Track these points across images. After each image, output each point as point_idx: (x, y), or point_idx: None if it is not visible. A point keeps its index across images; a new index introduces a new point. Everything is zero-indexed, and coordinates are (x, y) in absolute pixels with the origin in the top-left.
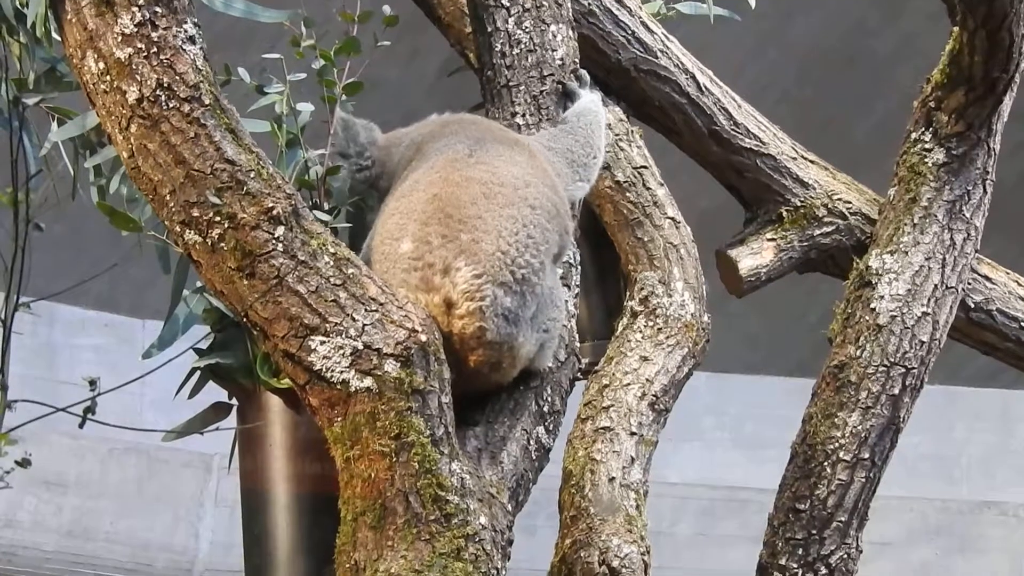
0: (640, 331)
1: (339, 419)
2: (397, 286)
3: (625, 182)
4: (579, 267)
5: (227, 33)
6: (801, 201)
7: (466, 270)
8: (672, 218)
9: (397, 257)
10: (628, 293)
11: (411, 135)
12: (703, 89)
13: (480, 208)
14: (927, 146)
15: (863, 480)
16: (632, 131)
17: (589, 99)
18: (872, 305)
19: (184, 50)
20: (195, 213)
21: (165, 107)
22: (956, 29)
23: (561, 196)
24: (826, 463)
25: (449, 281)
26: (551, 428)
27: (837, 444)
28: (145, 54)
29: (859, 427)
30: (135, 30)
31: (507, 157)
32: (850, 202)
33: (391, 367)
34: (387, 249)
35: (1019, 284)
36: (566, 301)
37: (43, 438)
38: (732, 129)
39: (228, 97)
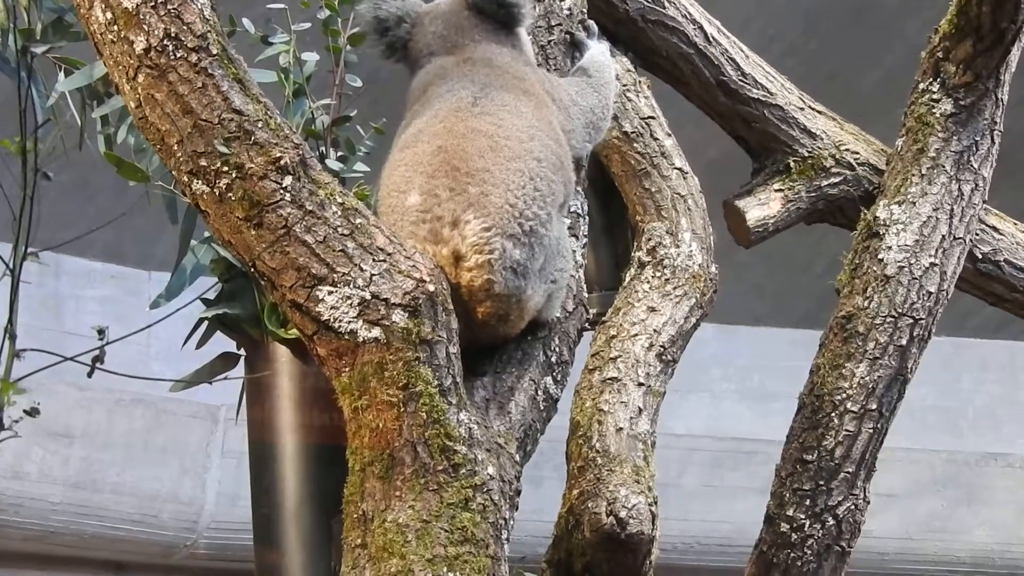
0: (648, 281)
1: (347, 369)
2: (405, 238)
3: (632, 132)
4: (587, 217)
5: None
6: (809, 151)
7: (475, 223)
8: (680, 168)
9: (404, 210)
10: (636, 243)
11: (427, 68)
12: (711, 39)
13: (487, 161)
14: (935, 96)
15: (870, 431)
16: (639, 81)
17: (598, 50)
18: (880, 256)
19: (191, 0)
20: (203, 163)
21: (172, 57)
22: None
23: (565, 148)
24: (833, 414)
25: (458, 234)
26: (559, 378)
27: (845, 395)
28: (152, 4)
29: (867, 378)
30: None
31: (512, 107)
32: (858, 152)
33: (399, 317)
34: (394, 202)
35: None
36: (574, 251)
37: (50, 389)
38: (739, 79)
39: (234, 47)
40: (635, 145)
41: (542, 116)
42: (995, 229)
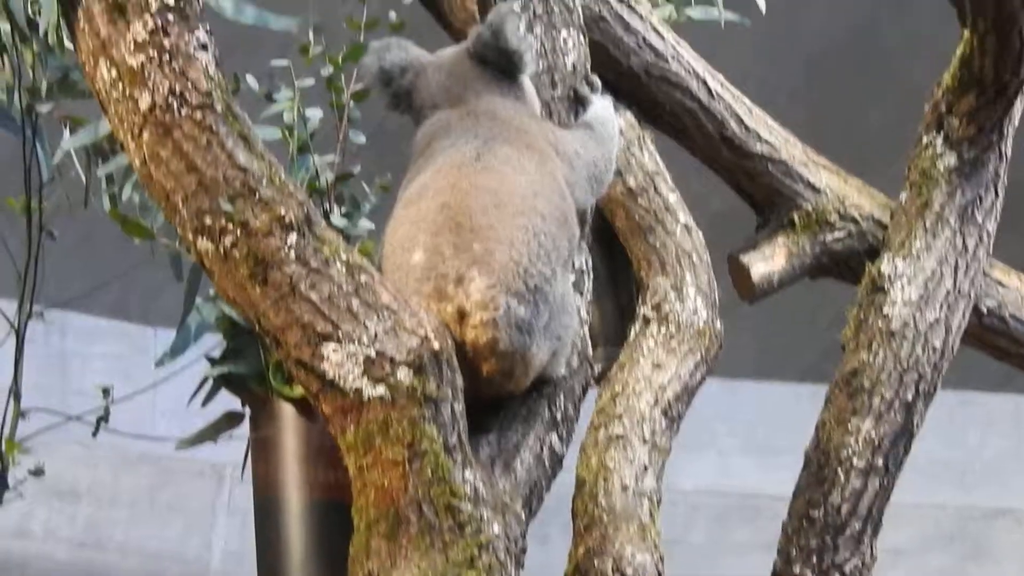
0: (653, 337)
1: (352, 427)
2: (411, 295)
3: (637, 188)
4: (591, 273)
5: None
6: (813, 206)
7: (479, 280)
8: (684, 223)
9: (410, 268)
10: (640, 298)
11: (430, 120)
12: (714, 94)
13: (491, 218)
14: (938, 150)
15: (877, 487)
16: (643, 136)
17: (602, 104)
18: (885, 310)
19: (196, 57)
20: (207, 220)
21: (177, 114)
22: (966, 32)
23: (569, 202)
24: (839, 470)
25: (462, 291)
26: (564, 436)
27: (850, 451)
28: (157, 61)
29: (872, 433)
30: (147, 37)
31: (515, 162)
32: (861, 206)
33: (404, 375)
34: (399, 259)
35: None
36: (578, 308)
37: (55, 447)
38: (743, 134)
39: (238, 103)
40: (639, 200)
41: (546, 170)
42: (1000, 283)
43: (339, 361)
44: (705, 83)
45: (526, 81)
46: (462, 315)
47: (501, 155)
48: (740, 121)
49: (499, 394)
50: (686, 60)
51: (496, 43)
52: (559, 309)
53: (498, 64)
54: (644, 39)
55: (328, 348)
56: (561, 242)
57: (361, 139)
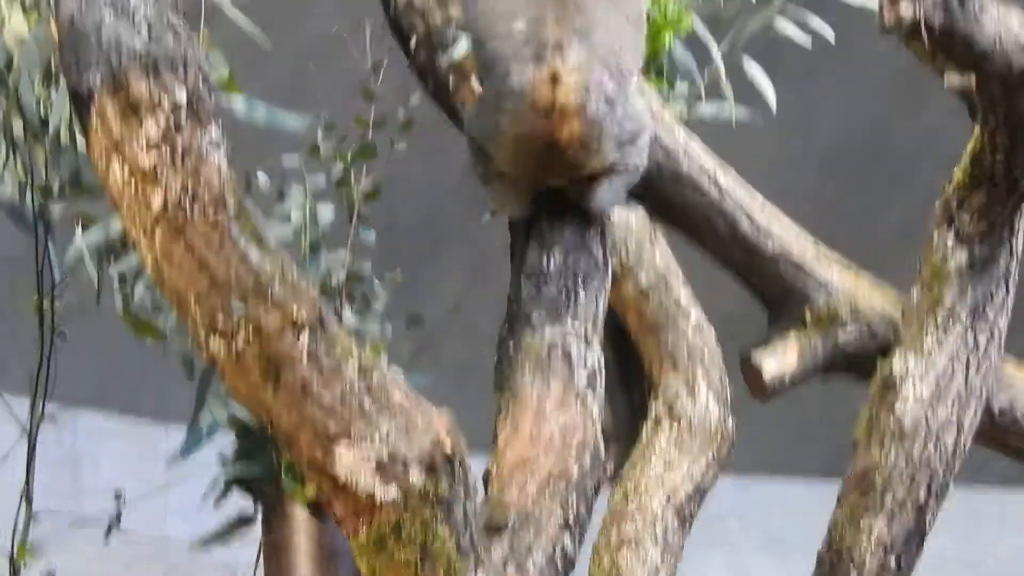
0: (665, 436)
1: (364, 528)
2: (510, 59)
3: (648, 286)
4: (603, 372)
5: (246, 131)
6: (824, 304)
7: (578, 49)
8: (696, 321)
9: (511, 33)
10: (652, 396)
11: None
12: (724, 192)
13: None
14: (949, 246)
15: None
16: (655, 232)
17: None
18: (896, 408)
19: (209, 156)
20: (220, 321)
21: (190, 214)
22: (977, 128)
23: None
24: (852, 569)
25: (560, 56)
26: (576, 536)
27: (863, 550)
28: (170, 161)
29: (885, 533)
30: (160, 137)
31: None
32: (873, 304)
33: (416, 475)
34: (499, 28)
35: None
36: (594, 403)
37: (67, 546)
38: (754, 234)
39: (250, 199)
40: (651, 298)
41: None
42: (1012, 382)
43: (351, 463)
44: (716, 181)
45: None
46: (555, 79)
47: None
48: (751, 220)
49: (567, 172)
50: (697, 157)
51: None
52: (630, 109)
53: None
54: (655, 136)
55: (340, 449)
56: (640, 47)
57: (372, 238)
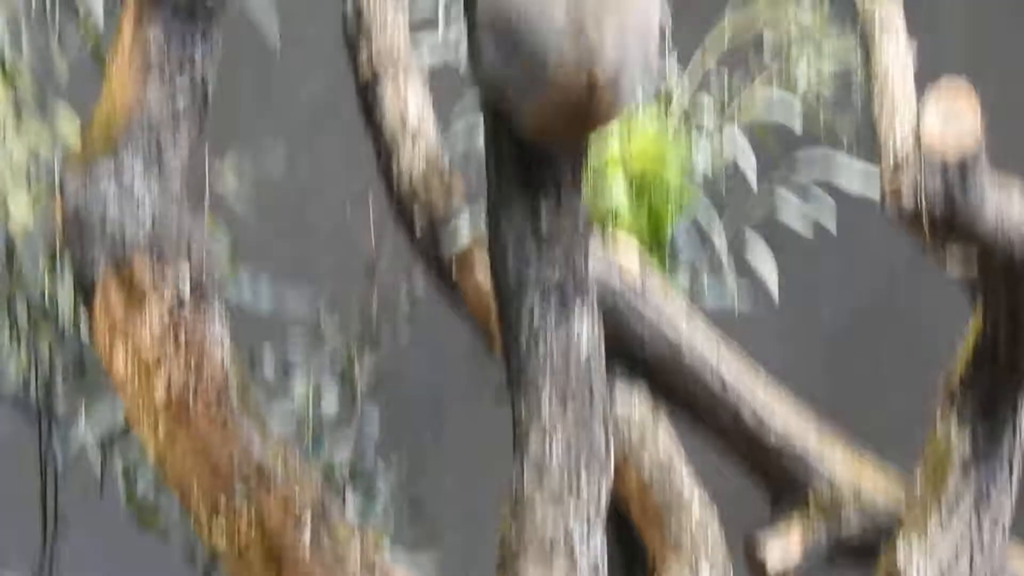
0: None
1: None
2: (547, 32)
3: (650, 472)
4: (605, 560)
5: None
6: (827, 491)
7: (616, 18)
8: (699, 505)
9: (552, 3)
10: None
11: None
12: (727, 386)
13: None
14: (952, 427)
15: None
16: (658, 418)
17: None
18: None
19: (213, 345)
20: (222, 510)
21: (193, 405)
22: (979, 312)
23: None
24: None
25: (597, 27)
26: None
27: None
28: (174, 351)
29: None
30: (165, 327)
31: None
32: (876, 490)
33: None
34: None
35: None
36: None
37: None
38: (756, 427)
39: (253, 381)
40: (655, 485)
41: None
42: (1018, 571)
43: None
44: (719, 374)
45: None
46: (591, 49)
47: None
48: (754, 413)
49: (591, 123)
50: (700, 349)
51: None
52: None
53: None
54: (657, 330)
55: None
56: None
57: (375, 430)
